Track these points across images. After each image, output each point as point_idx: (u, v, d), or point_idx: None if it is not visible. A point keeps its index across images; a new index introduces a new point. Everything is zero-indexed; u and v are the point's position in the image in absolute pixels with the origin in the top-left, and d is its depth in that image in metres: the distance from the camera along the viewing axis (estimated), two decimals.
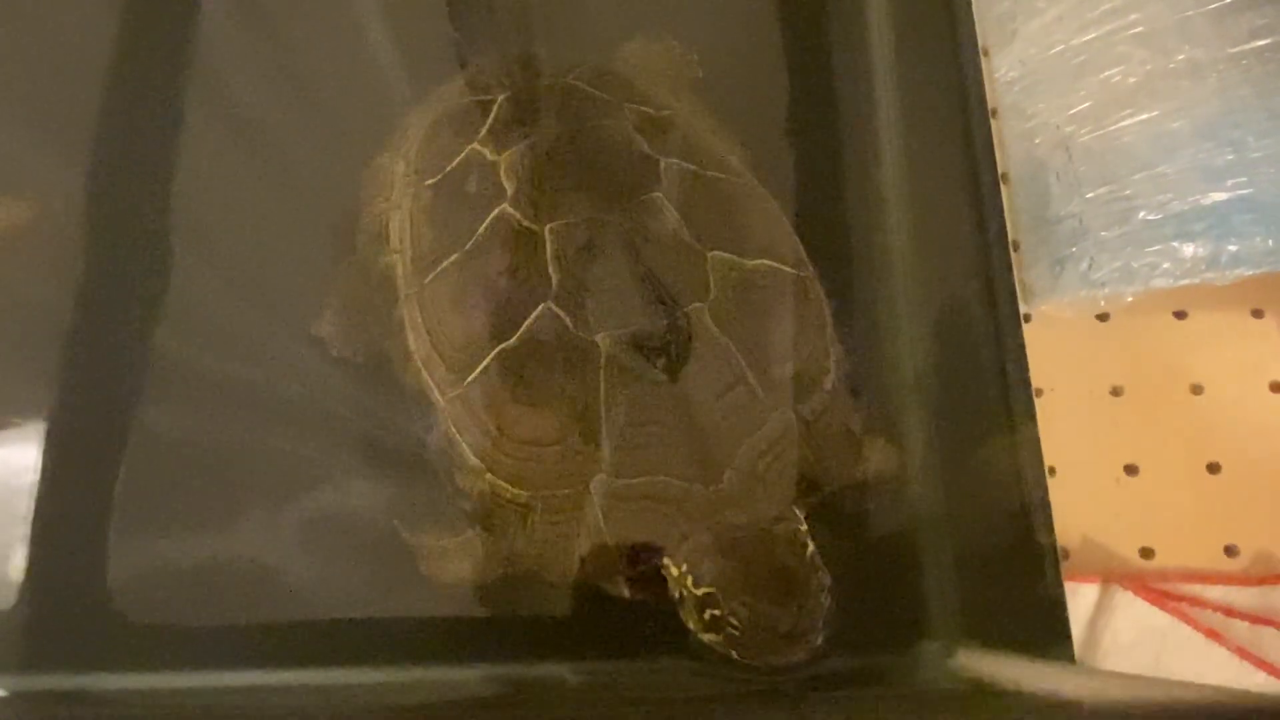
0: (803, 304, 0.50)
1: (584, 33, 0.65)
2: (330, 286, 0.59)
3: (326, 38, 0.69)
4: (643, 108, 0.55)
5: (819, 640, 0.42)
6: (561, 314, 0.47)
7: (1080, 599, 0.51)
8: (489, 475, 0.49)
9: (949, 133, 0.57)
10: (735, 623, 0.43)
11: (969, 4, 0.61)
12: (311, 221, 0.64)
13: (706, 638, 0.45)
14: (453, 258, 0.50)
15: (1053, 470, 0.54)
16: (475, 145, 0.53)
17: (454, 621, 0.53)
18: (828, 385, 0.49)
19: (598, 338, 0.47)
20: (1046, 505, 0.48)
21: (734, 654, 0.44)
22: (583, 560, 0.47)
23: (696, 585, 0.45)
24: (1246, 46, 0.56)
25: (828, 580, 0.43)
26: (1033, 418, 0.50)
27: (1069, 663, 0.45)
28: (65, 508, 0.57)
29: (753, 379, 0.47)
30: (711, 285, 0.48)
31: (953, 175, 0.57)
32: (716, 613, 0.43)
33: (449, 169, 0.53)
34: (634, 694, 0.50)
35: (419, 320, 0.51)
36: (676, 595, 0.46)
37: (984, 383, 0.51)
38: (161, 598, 0.56)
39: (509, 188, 0.51)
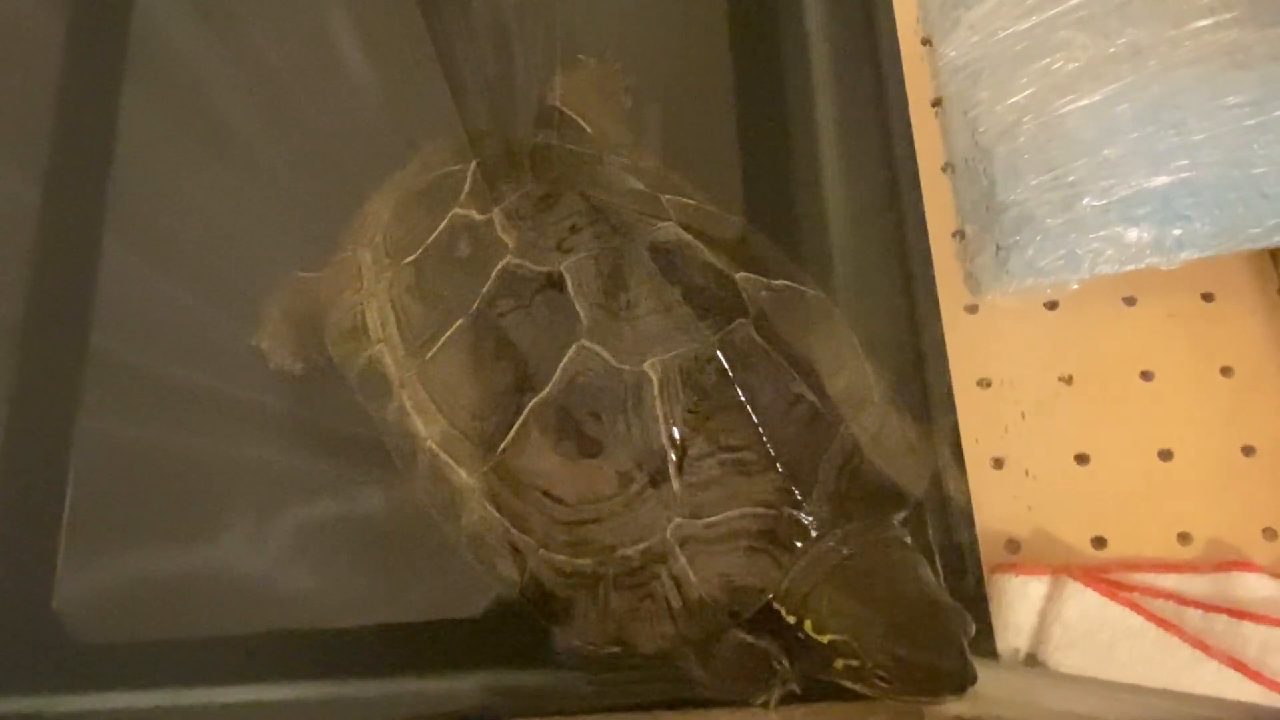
0: (831, 322, 0.48)
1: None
2: (269, 299, 0.59)
3: (288, 41, 0.69)
4: (620, 157, 0.54)
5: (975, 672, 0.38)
6: (599, 349, 0.43)
7: (1030, 591, 0.50)
8: (542, 551, 0.43)
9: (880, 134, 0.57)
10: (884, 675, 0.38)
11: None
12: (269, 230, 0.63)
13: (842, 682, 0.40)
14: (457, 324, 0.46)
15: (1001, 461, 0.54)
16: (457, 211, 0.50)
17: (448, 628, 0.52)
18: (875, 399, 0.46)
19: (645, 366, 0.42)
20: (966, 497, 0.48)
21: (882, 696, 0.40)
22: (674, 623, 0.42)
23: (819, 632, 0.40)
24: (1186, 28, 0.55)
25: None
26: (953, 410, 0.50)
27: (990, 656, 0.45)
28: (17, 523, 0.57)
29: (811, 395, 0.43)
30: (748, 304, 0.45)
31: (882, 176, 0.57)
32: (854, 663, 0.39)
33: (430, 242, 0.50)
34: (634, 699, 0.48)
35: (425, 401, 0.47)
36: (786, 635, 0.41)
37: (906, 378, 0.50)
38: (117, 613, 0.55)
39: (509, 241, 0.47)
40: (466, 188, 0.51)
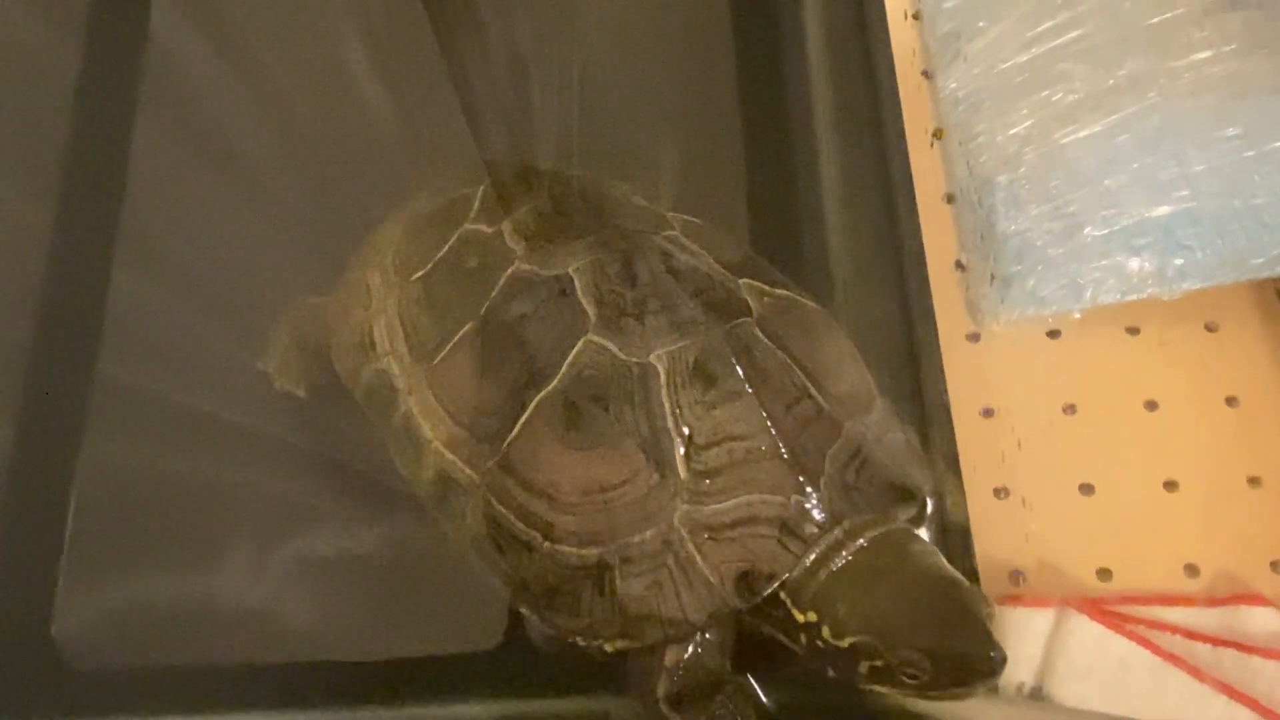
0: (832, 330, 0.49)
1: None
2: (280, 322, 0.59)
3: (300, 71, 0.70)
4: (623, 183, 0.55)
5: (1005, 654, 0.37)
6: (606, 343, 0.43)
7: (1035, 623, 0.49)
8: (548, 544, 0.43)
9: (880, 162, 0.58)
10: (911, 671, 0.38)
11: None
12: (279, 257, 0.64)
13: (870, 686, 0.39)
14: (465, 329, 0.47)
15: (1004, 491, 0.53)
16: (467, 226, 0.51)
17: (448, 659, 0.51)
18: (878, 404, 0.47)
19: (652, 357, 0.43)
20: (967, 527, 0.48)
21: (912, 695, 0.39)
22: (683, 612, 0.41)
23: (839, 636, 0.39)
24: (1185, 60, 0.55)
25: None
26: (954, 439, 0.50)
27: (993, 690, 0.44)
28: (18, 547, 0.57)
29: (815, 392, 0.44)
30: (752, 306, 0.46)
31: (882, 206, 0.57)
32: (879, 664, 0.38)
33: (439, 257, 0.50)
34: None
35: (432, 403, 0.47)
36: (803, 641, 0.41)
37: (907, 407, 0.50)
38: (116, 640, 0.55)
39: (518, 249, 0.48)
40: (476, 206, 0.52)
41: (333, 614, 0.55)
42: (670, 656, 0.43)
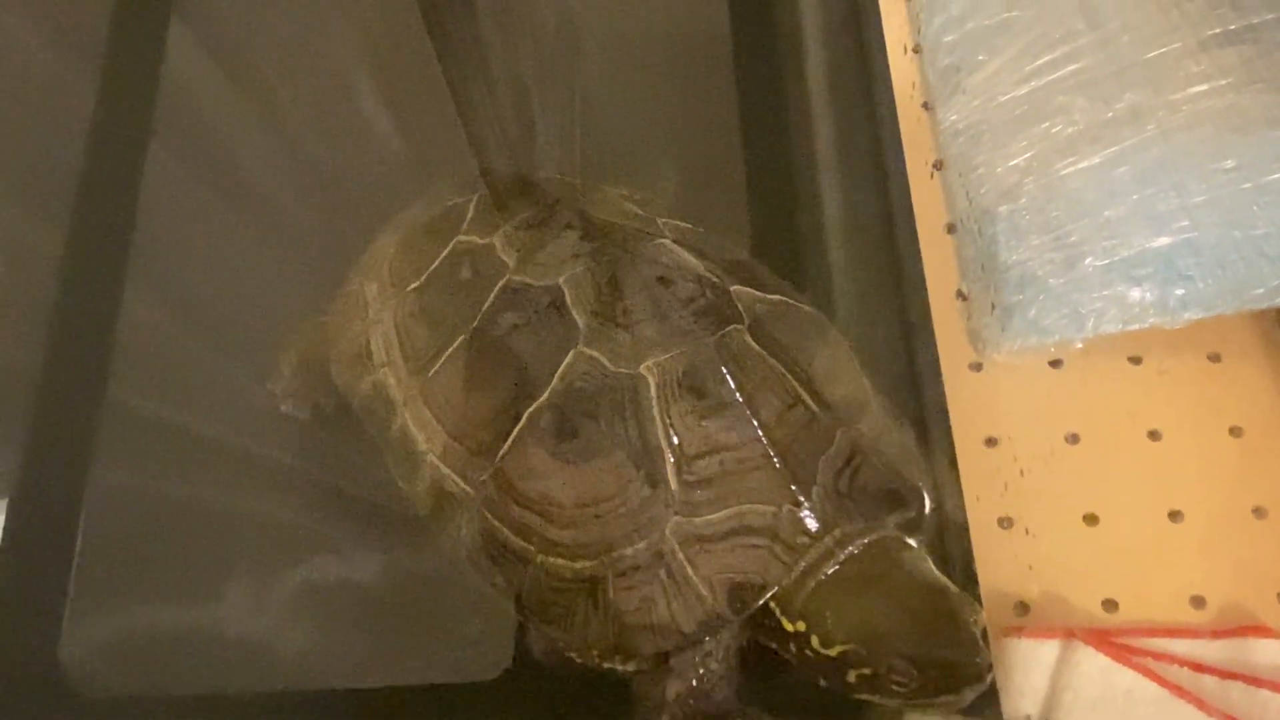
0: (827, 334, 0.49)
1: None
2: (288, 344, 0.60)
3: (311, 102, 0.71)
4: (618, 190, 0.56)
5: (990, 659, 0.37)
6: (597, 355, 0.44)
7: (1041, 655, 0.49)
8: (541, 556, 0.43)
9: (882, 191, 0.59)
10: (899, 679, 0.38)
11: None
12: (287, 283, 0.65)
13: (859, 695, 0.40)
14: (459, 341, 0.47)
15: (1009, 521, 0.53)
16: (460, 238, 0.51)
17: (451, 690, 0.51)
18: (874, 408, 0.47)
19: (642, 368, 0.43)
20: (970, 557, 0.47)
21: (901, 704, 0.39)
22: (675, 623, 0.41)
23: (827, 645, 0.39)
24: (1183, 93, 0.56)
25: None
26: (956, 469, 0.50)
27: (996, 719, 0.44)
28: (26, 572, 0.57)
29: (808, 399, 0.44)
30: (743, 313, 0.46)
31: (883, 237, 0.58)
32: (866, 672, 0.38)
33: (433, 268, 0.51)
34: None
35: (427, 416, 0.48)
36: (793, 650, 0.41)
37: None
38: (122, 666, 0.55)
39: (510, 261, 0.48)
40: (469, 216, 0.53)
41: (336, 641, 0.55)
42: (673, 689, 0.42)
